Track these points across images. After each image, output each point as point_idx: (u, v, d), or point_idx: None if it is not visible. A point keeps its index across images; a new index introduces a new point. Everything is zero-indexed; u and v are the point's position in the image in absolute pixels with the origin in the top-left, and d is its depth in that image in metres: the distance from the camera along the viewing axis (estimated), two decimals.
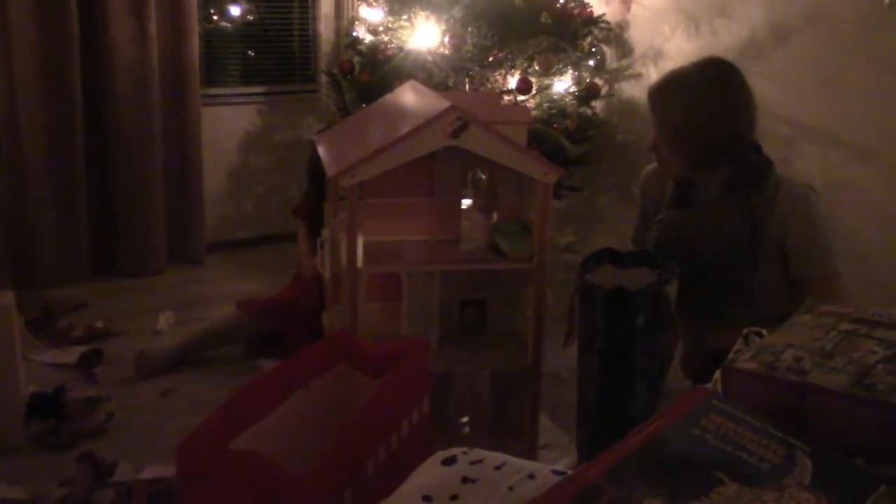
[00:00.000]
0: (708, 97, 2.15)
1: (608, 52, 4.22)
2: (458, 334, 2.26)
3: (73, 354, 3.18)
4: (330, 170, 2.02)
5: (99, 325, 3.47)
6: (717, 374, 0.97)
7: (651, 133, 2.28)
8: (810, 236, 2.13)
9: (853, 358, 0.89)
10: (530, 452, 2.19)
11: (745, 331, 1.12)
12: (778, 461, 0.78)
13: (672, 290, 1.79)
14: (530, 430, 2.23)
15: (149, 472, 2.30)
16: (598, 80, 4.00)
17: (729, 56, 2.36)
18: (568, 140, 3.71)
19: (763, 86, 2.36)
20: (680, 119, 2.17)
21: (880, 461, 0.81)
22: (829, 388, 0.85)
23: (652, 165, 2.45)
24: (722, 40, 3.57)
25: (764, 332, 1.08)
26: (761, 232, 2.14)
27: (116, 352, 3.25)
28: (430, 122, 1.94)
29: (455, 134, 1.95)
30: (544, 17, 3.73)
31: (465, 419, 2.41)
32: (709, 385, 1.01)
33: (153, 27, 4.03)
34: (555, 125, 3.74)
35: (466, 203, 2.44)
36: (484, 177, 2.51)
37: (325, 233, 2.29)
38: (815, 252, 2.13)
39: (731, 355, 1.00)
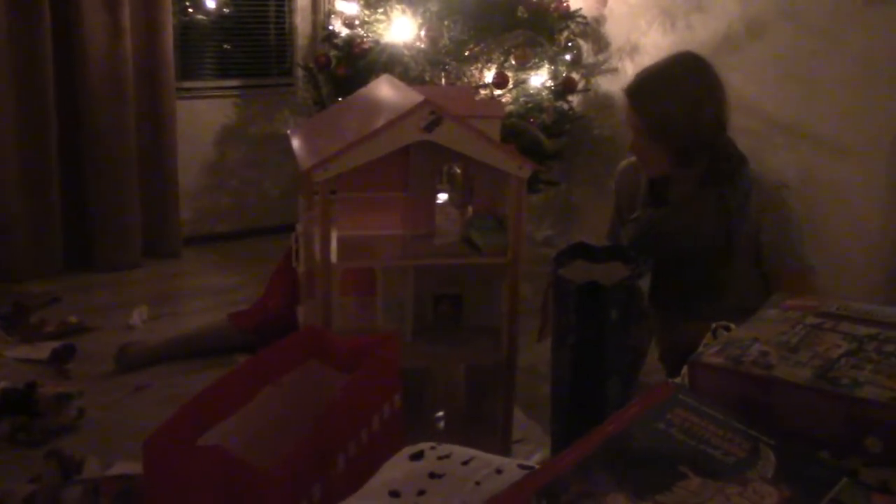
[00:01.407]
0: (692, 86, 2.16)
1: (585, 46, 4.22)
2: (432, 329, 2.25)
3: (45, 350, 3.14)
4: (303, 164, 2.01)
5: (72, 320, 3.44)
6: (685, 369, 0.97)
7: (628, 133, 2.27)
8: (784, 231, 2.14)
9: (818, 352, 0.90)
10: (505, 447, 2.19)
11: (714, 325, 1.12)
12: (742, 455, 0.78)
13: (645, 284, 1.79)
14: (505, 424, 2.22)
15: (117, 469, 2.28)
16: (574, 75, 4.01)
17: (704, 51, 2.36)
18: (544, 134, 3.72)
19: (738, 80, 2.37)
20: (668, 112, 2.16)
21: (844, 454, 0.81)
22: (794, 381, 0.85)
23: (626, 161, 2.45)
24: (698, 35, 3.58)
25: (732, 325, 1.08)
26: (736, 228, 2.14)
27: (89, 347, 3.22)
28: (403, 116, 1.92)
29: (428, 128, 1.93)
30: (521, 12, 3.73)
31: (440, 414, 2.41)
32: (677, 379, 1.01)
33: (127, 20, 4.00)
34: (531, 119, 3.74)
35: (442, 198, 2.43)
36: (459, 171, 2.50)
37: (299, 227, 2.28)
38: (788, 247, 2.14)
39: (699, 349, 1.00)
